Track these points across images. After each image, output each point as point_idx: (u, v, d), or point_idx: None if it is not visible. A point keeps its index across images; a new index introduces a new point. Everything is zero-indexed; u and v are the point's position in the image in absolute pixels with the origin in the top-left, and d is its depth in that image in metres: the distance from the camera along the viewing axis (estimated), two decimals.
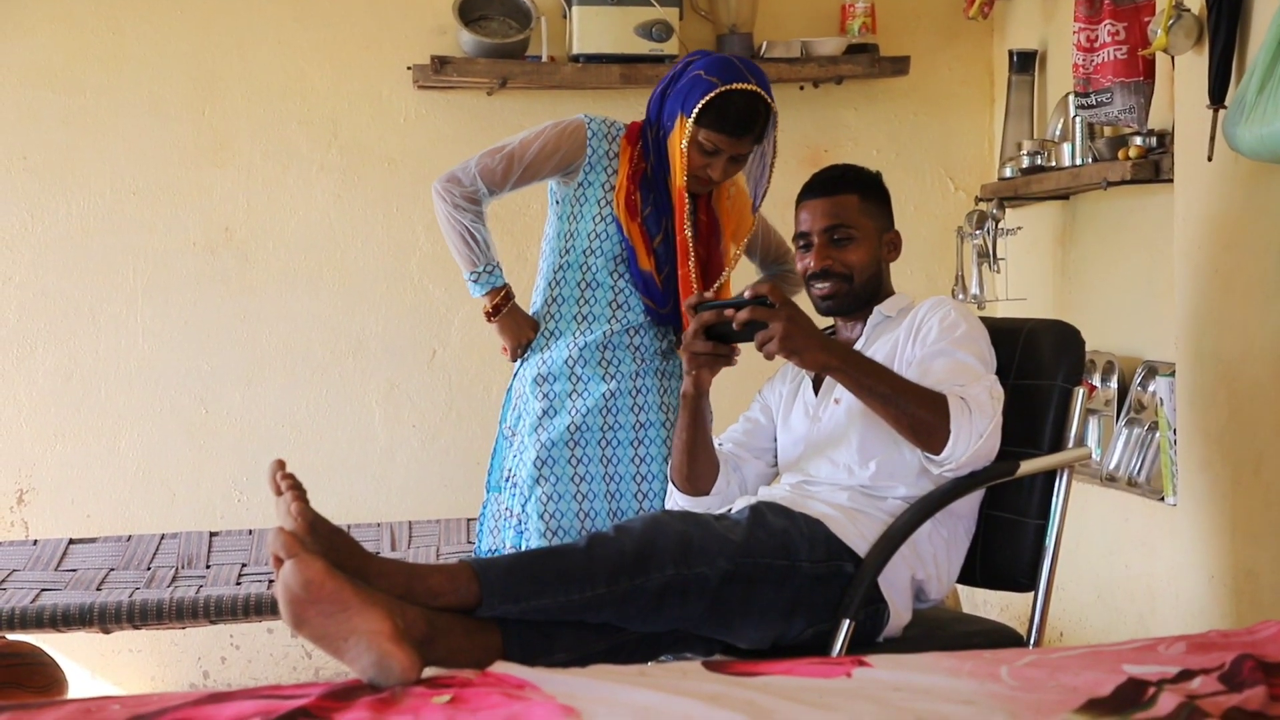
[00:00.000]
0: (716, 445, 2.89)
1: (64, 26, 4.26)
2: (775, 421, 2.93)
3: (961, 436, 2.55)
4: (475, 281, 3.10)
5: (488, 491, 3.20)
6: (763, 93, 2.96)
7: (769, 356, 2.59)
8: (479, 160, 3.06)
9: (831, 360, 2.58)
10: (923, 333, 2.72)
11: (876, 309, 2.83)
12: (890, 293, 2.88)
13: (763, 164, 3.08)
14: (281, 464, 2.23)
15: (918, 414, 2.56)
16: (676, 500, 2.89)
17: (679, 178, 3.00)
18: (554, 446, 3.03)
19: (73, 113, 4.26)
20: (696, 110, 2.92)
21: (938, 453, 2.57)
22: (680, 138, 2.96)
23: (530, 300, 3.20)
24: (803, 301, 2.80)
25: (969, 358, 2.65)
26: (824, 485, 2.73)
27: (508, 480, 3.10)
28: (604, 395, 3.04)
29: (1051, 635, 4.01)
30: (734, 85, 2.92)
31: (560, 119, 3.09)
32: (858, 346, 2.80)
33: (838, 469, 2.73)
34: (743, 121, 2.95)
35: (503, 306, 3.10)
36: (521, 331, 3.12)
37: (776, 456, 2.92)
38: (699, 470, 2.85)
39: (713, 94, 2.91)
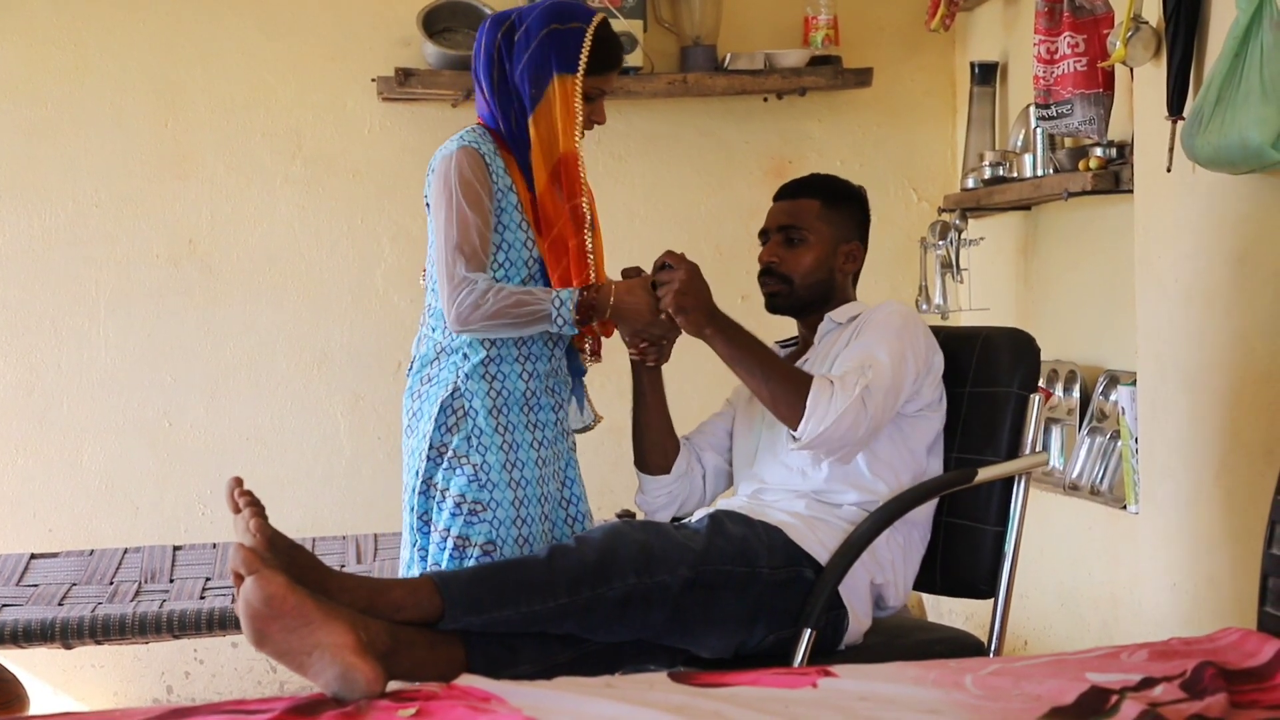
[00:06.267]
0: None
1: (25, 39, 4.24)
2: (735, 418, 2.95)
3: (815, 415, 2.58)
4: (559, 316, 2.62)
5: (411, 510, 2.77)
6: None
7: (665, 310, 2.62)
8: (449, 275, 2.63)
9: (711, 326, 2.63)
10: (860, 332, 2.74)
11: (828, 316, 2.83)
12: (846, 301, 2.87)
13: None
14: (239, 481, 2.24)
15: (778, 391, 2.61)
16: (643, 495, 2.90)
17: (569, 142, 2.74)
18: (493, 470, 2.69)
19: (34, 125, 4.24)
20: (585, 60, 2.73)
21: (795, 429, 2.61)
22: (573, 98, 2.72)
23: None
24: None
25: (881, 353, 2.65)
26: (780, 492, 2.74)
27: (442, 500, 2.72)
28: (555, 423, 2.78)
29: (1016, 643, 4.03)
30: (594, 20, 2.75)
31: (448, 165, 2.68)
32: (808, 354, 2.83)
33: (791, 472, 2.74)
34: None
35: (594, 299, 2.65)
36: (637, 305, 2.68)
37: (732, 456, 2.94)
38: (660, 444, 2.86)
39: (590, 38, 2.72)
